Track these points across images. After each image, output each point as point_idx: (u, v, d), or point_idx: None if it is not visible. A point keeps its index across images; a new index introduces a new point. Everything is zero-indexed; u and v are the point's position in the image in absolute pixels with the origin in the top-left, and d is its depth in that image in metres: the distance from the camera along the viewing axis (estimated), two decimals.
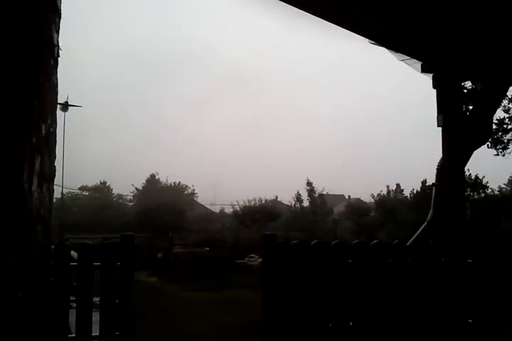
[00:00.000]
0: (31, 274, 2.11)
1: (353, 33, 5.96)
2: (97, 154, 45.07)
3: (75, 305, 4.50)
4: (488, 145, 6.99)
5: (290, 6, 5.17)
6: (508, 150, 16.47)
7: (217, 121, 57.46)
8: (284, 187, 47.22)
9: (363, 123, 57.30)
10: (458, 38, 6.09)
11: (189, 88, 56.23)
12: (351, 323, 5.22)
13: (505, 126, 16.23)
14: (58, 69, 2.44)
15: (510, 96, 15.57)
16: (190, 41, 61.06)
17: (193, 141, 54.40)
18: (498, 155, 16.20)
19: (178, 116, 56.61)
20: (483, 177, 23.62)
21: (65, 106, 25.36)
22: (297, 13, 5.24)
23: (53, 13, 2.37)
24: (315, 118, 58.01)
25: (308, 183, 34.30)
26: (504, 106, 15.68)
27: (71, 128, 25.04)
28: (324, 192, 35.25)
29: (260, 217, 30.55)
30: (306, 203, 35.19)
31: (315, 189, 34.43)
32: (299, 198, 35.00)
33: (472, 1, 5.31)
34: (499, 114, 15.80)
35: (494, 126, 15.54)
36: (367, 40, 6.29)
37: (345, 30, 5.82)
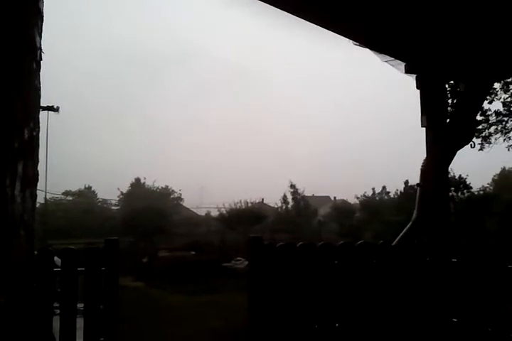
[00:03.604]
0: (14, 280, 2.07)
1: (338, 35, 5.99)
2: (82, 157, 44.77)
3: (58, 311, 4.44)
4: (471, 145, 7.04)
5: (277, 9, 5.18)
6: (487, 145, 16.50)
7: (205, 122, 57.36)
8: (271, 189, 47.33)
9: (350, 125, 57.65)
10: (441, 39, 6.15)
11: (177, 88, 56.17)
12: (337, 324, 5.23)
13: (486, 118, 16.16)
14: (43, 71, 2.42)
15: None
16: (179, 42, 61.16)
17: (181, 143, 54.24)
18: (482, 150, 16.20)
19: (165, 117, 56.46)
20: (467, 175, 23.90)
21: (52, 109, 24.95)
22: (284, 15, 5.26)
23: (35, 16, 2.34)
24: (303, 120, 58.24)
25: (292, 186, 34.36)
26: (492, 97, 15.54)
27: (55, 131, 24.78)
28: (310, 194, 35.40)
29: (246, 219, 30.51)
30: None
31: (299, 191, 34.53)
32: (285, 200, 35.08)
33: (454, 2, 5.36)
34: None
35: (479, 117, 15.56)
36: (351, 41, 6.33)
37: (331, 32, 5.86)
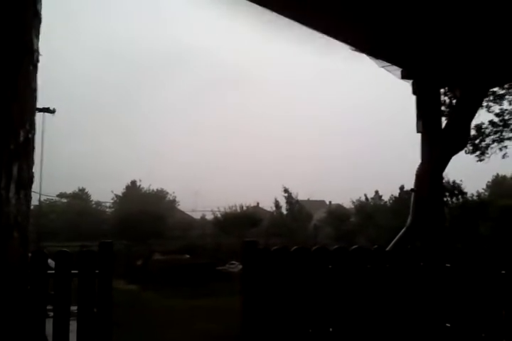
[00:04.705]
0: (8, 282, 2.07)
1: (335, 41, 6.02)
2: (76, 159, 44.63)
3: (52, 314, 4.42)
4: (465, 150, 7.09)
5: (275, 13, 5.21)
6: (487, 155, 16.77)
7: (202, 124, 57.25)
8: (267, 193, 47.28)
9: (347, 129, 57.69)
10: (437, 45, 6.18)
11: (174, 90, 56.09)
12: (331, 329, 5.23)
13: (482, 130, 16.47)
14: (40, 72, 2.42)
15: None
16: (178, 43, 61.02)
17: (177, 145, 54.16)
18: (481, 161, 16.46)
19: (162, 119, 56.39)
20: (461, 180, 24.01)
21: (48, 111, 24.88)
22: (282, 19, 5.28)
23: (34, 18, 2.35)
24: (300, 123, 58.28)
25: (285, 190, 34.30)
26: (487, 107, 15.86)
27: (50, 132, 24.70)
28: (305, 198, 35.41)
29: (241, 223, 30.49)
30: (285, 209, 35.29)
31: (292, 195, 34.50)
32: (277, 205, 35.10)
33: (450, 8, 5.39)
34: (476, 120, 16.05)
35: (473, 132, 15.82)
36: (348, 46, 6.35)
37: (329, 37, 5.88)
